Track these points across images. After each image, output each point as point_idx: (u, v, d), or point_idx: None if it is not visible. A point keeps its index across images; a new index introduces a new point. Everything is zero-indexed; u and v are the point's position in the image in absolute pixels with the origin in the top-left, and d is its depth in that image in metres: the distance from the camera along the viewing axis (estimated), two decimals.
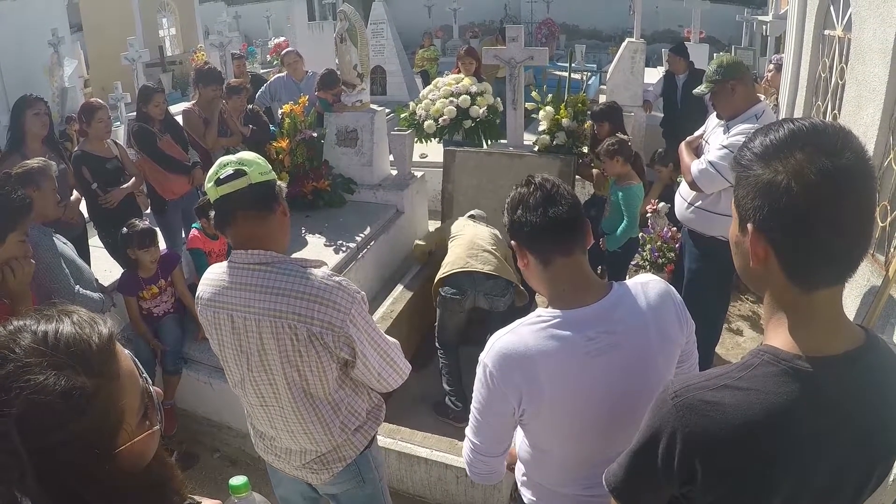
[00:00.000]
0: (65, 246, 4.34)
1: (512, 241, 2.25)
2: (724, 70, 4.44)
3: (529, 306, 5.34)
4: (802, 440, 1.41)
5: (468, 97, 7.96)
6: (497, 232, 5.55)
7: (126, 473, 1.24)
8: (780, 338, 1.47)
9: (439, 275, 5.40)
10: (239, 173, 2.49)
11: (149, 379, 1.39)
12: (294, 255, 2.66)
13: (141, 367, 1.37)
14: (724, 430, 1.42)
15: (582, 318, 2.09)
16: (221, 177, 2.51)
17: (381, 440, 4.10)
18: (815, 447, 1.42)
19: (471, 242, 5.47)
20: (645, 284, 2.22)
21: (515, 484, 2.64)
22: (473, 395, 2.26)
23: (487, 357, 2.15)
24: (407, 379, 2.90)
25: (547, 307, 2.19)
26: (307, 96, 7.72)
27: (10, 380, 1.12)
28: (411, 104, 8.41)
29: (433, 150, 8.80)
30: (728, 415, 1.42)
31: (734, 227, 1.53)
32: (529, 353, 2.07)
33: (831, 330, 1.46)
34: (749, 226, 1.43)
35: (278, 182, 2.67)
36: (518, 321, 2.18)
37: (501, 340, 2.14)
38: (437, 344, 5.46)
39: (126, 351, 1.33)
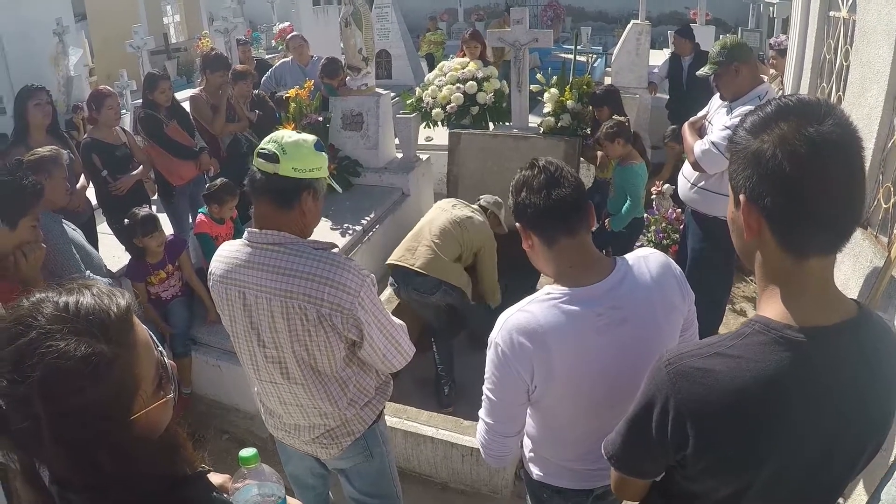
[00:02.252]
0: (74, 232, 4.38)
1: (517, 223, 2.28)
2: (728, 52, 4.45)
3: (479, 308, 5.39)
4: (791, 408, 1.44)
5: (475, 83, 7.97)
6: (466, 221, 5.41)
7: (140, 440, 1.30)
8: (772, 308, 1.51)
9: (388, 260, 5.46)
10: (273, 158, 2.50)
11: (164, 352, 1.45)
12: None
13: (156, 339, 1.43)
14: (715, 397, 1.46)
15: (589, 295, 2.13)
16: (260, 151, 2.54)
17: (388, 419, 4.13)
18: (804, 416, 1.45)
19: (416, 233, 5.45)
20: (646, 258, 2.26)
21: (521, 462, 2.68)
22: (486, 375, 2.29)
23: (498, 336, 2.19)
24: (413, 361, 2.93)
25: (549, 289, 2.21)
26: (312, 81, 7.74)
27: (33, 346, 1.18)
28: (417, 90, 8.41)
29: (439, 133, 8.79)
30: (719, 381, 1.46)
31: (730, 205, 1.57)
32: (541, 329, 2.10)
33: (823, 301, 1.49)
34: (741, 196, 1.47)
35: (318, 182, 2.64)
36: (527, 298, 2.21)
37: (512, 318, 2.17)
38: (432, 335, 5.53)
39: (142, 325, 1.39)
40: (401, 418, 4.44)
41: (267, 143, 2.54)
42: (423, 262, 5.15)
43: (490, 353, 2.23)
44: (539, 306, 2.15)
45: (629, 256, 2.28)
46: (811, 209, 1.39)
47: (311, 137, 2.64)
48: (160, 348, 1.43)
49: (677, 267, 2.32)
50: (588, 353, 2.11)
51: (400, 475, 3.36)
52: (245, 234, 2.64)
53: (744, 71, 4.42)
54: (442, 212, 5.49)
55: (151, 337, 1.40)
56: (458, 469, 4.35)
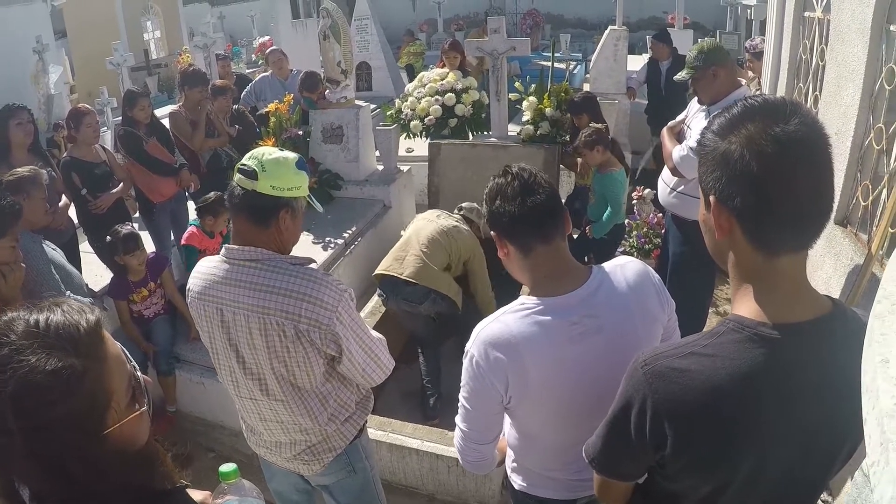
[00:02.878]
0: (54, 252, 4.37)
1: (492, 232, 2.27)
2: (705, 56, 4.47)
3: (469, 312, 5.31)
4: (767, 405, 1.45)
5: (453, 95, 7.98)
6: (453, 230, 5.41)
7: (115, 454, 1.31)
8: (745, 307, 1.52)
9: (375, 271, 5.43)
10: (252, 174, 2.49)
11: (137, 366, 1.46)
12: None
13: (128, 354, 1.44)
14: (691, 395, 1.48)
15: (564, 304, 2.12)
16: (240, 166, 2.53)
17: (372, 433, 4.13)
18: (780, 413, 1.46)
19: (405, 243, 5.43)
20: (623, 266, 2.26)
21: (506, 472, 2.69)
22: (462, 383, 2.28)
23: (473, 346, 2.18)
24: (397, 374, 2.92)
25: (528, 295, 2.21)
26: (292, 95, 7.75)
27: (4, 362, 1.20)
28: (397, 101, 8.43)
29: (419, 145, 8.80)
30: (695, 380, 1.48)
31: (701, 206, 1.59)
32: (514, 340, 2.10)
33: (795, 298, 1.50)
34: (711, 198, 1.49)
35: (296, 201, 2.62)
36: (501, 309, 2.20)
37: (486, 329, 2.16)
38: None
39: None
40: (385, 431, 4.43)
41: (248, 160, 2.53)
42: (412, 271, 5.12)
43: (465, 363, 2.22)
44: (512, 317, 2.14)
45: (606, 265, 2.27)
46: (780, 208, 1.40)
47: (292, 155, 2.63)
48: (133, 363, 1.44)
49: (656, 275, 2.31)
50: (563, 362, 2.11)
51: (386, 488, 3.36)
52: (223, 250, 2.63)
53: (721, 74, 4.44)
54: (428, 222, 5.46)
55: (124, 351, 1.42)
56: (444, 480, 4.35)
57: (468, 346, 2.21)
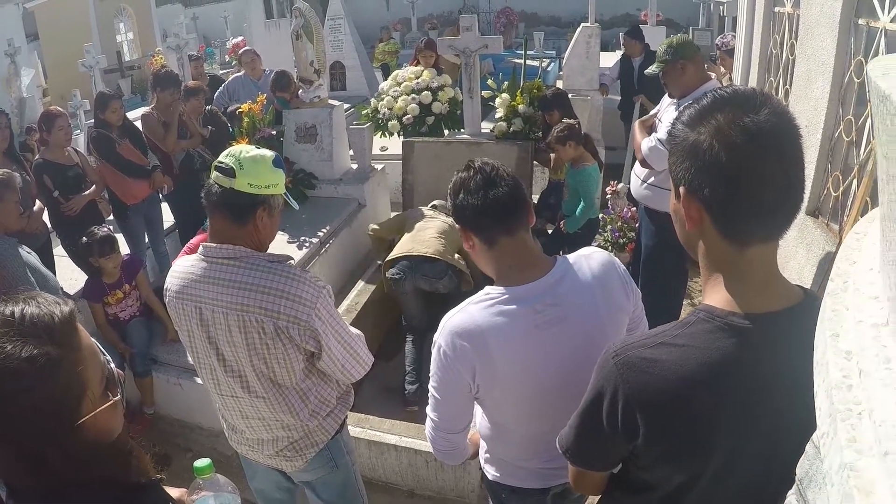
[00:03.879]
0: (29, 255, 4.35)
1: (457, 225, 2.30)
2: (674, 50, 4.53)
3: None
4: (738, 394, 1.46)
5: (429, 93, 8.00)
6: (451, 221, 5.60)
7: (90, 444, 1.34)
8: (716, 297, 1.52)
9: (387, 258, 5.61)
10: (230, 172, 2.50)
11: (110, 359, 1.49)
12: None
13: (101, 347, 1.47)
14: (662, 385, 1.49)
15: (528, 293, 2.15)
16: (218, 164, 2.54)
17: (351, 430, 4.13)
18: (750, 402, 1.47)
19: (417, 230, 5.69)
20: (588, 256, 2.29)
21: (480, 463, 2.71)
22: (430, 373, 2.31)
23: (440, 337, 2.21)
24: (374, 370, 2.94)
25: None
26: (265, 95, 7.73)
27: None
28: (373, 101, 8.44)
29: (393, 143, 8.79)
30: (665, 370, 1.48)
31: (672, 197, 1.58)
32: (479, 329, 2.13)
33: (766, 288, 1.50)
34: (681, 189, 1.49)
35: (273, 199, 2.64)
36: (467, 300, 2.24)
37: (452, 320, 2.20)
38: (405, 332, 5.56)
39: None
40: (364, 428, 4.44)
41: (225, 157, 2.55)
42: (434, 248, 5.42)
43: (434, 354, 2.26)
44: (477, 307, 2.18)
45: (571, 255, 2.30)
46: (749, 198, 1.40)
47: (269, 153, 2.65)
48: (106, 356, 1.47)
49: (622, 266, 2.34)
50: (528, 350, 2.14)
51: (366, 484, 3.37)
52: (201, 248, 2.64)
53: (689, 68, 4.49)
54: (430, 218, 5.81)
55: (96, 344, 1.45)
56: (423, 475, 4.36)
57: (436, 336, 2.25)
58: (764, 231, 1.46)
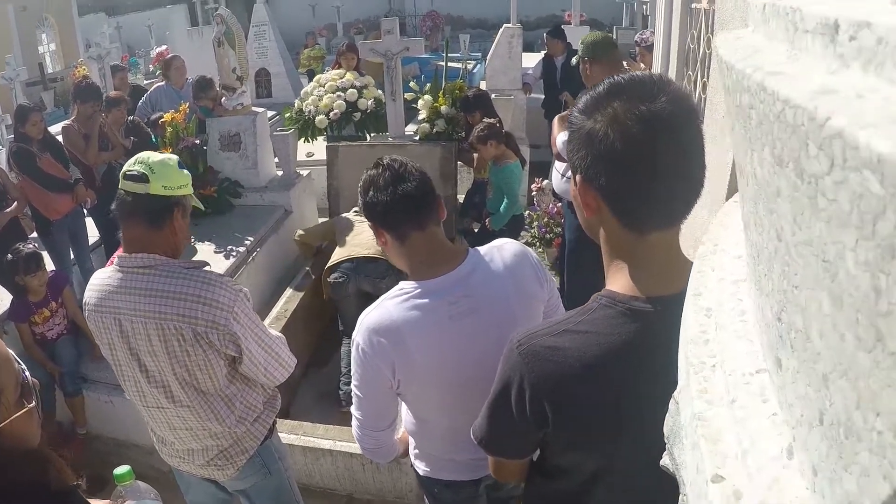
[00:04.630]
0: None
1: (369, 223, 2.32)
2: (586, 47, 4.67)
3: None
4: (640, 378, 1.44)
5: (354, 90, 7.98)
6: None
7: (8, 452, 1.34)
8: (618, 282, 1.51)
9: (328, 265, 5.58)
10: (142, 178, 2.51)
11: (25, 368, 1.48)
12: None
13: (17, 357, 1.46)
14: (566, 372, 1.49)
15: (440, 285, 2.19)
16: (127, 173, 2.54)
17: (285, 437, 4.11)
18: (653, 386, 1.42)
19: (354, 233, 5.70)
20: (500, 248, 2.33)
21: (411, 460, 2.73)
22: (352, 372, 2.33)
23: (358, 335, 2.23)
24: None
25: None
26: (188, 103, 7.63)
27: None
28: (296, 103, 8.39)
29: (319, 148, 8.77)
30: (569, 358, 1.48)
31: (573, 186, 1.55)
32: (395, 324, 2.16)
33: (668, 272, 1.47)
34: (577, 177, 1.47)
35: (185, 199, 2.67)
36: (382, 296, 2.27)
37: (369, 317, 2.22)
38: (342, 336, 5.54)
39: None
40: (297, 434, 4.42)
41: (133, 165, 2.55)
42: (375, 249, 5.36)
43: (353, 352, 2.28)
44: (392, 302, 2.21)
45: (483, 247, 2.34)
46: (645, 187, 1.38)
47: (173, 157, 2.69)
48: (21, 364, 1.47)
49: (534, 255, 2.38)
50: (444, 342, 2.17)
51: (304, 492, 3.36)
52: (116, 259, 2.63)
53: (595, 67, 4.60)
54: (361, 222, 5.75)
55: (10, 352, 1.44)
56: (360, 479, 4.36)
57: (354, 334, 2.27)
58: (661, 219, 1.45)
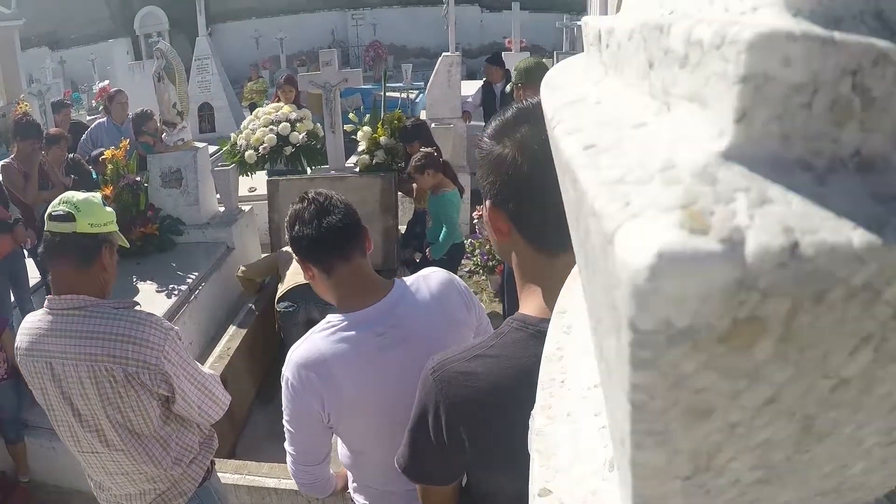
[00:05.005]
0: None
1: (295, 257, 2.35)
2: (519, 73, 4.91)
3: None
4: None
5: (288, 124, 7.97)
6: None
7: None
8: (530, 305, 1.52)
9: (277, 295, 5.56)
10: (68, 217, 2.52)
11: None
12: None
13: None
14: (479, 397, 1.51)
15: (367, 317, 2.21)
16: (52, 213, 2.55)
17: (229, 477, 4.08)
18: None
19: (296, 267, 5.56)
20: (426, 277, 2.37)
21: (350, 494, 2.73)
22: (283, 408, 2.35)
23: (287, 369, 2.25)
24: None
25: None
26: (128, 140, 7.56)
27: None
28: (232, 135, 8.35)
29: (262, 183, 8.71)
30: (481, 382, 1.51)
31: (484, 210, 1.57)
32: (323, 357, 2.18)
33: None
34: (487, 202, 1.50)
35: (112, 236, 2.69)
36: (311, 330, 2.29)
37: (297, 351, 2.24)
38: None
39: None
40: (242, 474, 4.35)
41: (57, 206, 2.56)
42: None
43: (283, 388, 2.29)
44: (319, 336, 2.23)
45: (409, 277, 2.38)
46: (554, 211, 1.35)
47: (97, 195, 2.72)
48: None
49: (461, 282, 2.43)
50: (373, 374, 2.19)
51: None
52: (46, 302, 2.62)
53: (529, 93, 4.72)
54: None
55: None
56: None
57: (283, 369, 2.28)
58: (571, 243, 1.49)
